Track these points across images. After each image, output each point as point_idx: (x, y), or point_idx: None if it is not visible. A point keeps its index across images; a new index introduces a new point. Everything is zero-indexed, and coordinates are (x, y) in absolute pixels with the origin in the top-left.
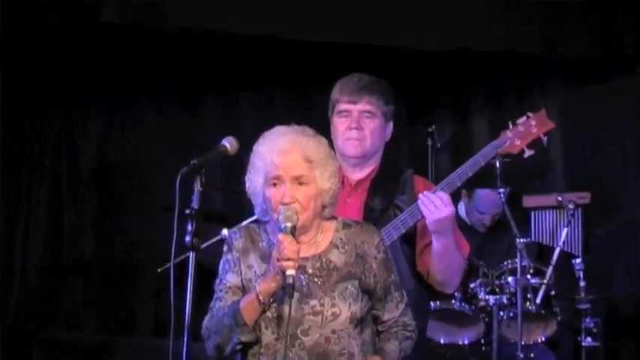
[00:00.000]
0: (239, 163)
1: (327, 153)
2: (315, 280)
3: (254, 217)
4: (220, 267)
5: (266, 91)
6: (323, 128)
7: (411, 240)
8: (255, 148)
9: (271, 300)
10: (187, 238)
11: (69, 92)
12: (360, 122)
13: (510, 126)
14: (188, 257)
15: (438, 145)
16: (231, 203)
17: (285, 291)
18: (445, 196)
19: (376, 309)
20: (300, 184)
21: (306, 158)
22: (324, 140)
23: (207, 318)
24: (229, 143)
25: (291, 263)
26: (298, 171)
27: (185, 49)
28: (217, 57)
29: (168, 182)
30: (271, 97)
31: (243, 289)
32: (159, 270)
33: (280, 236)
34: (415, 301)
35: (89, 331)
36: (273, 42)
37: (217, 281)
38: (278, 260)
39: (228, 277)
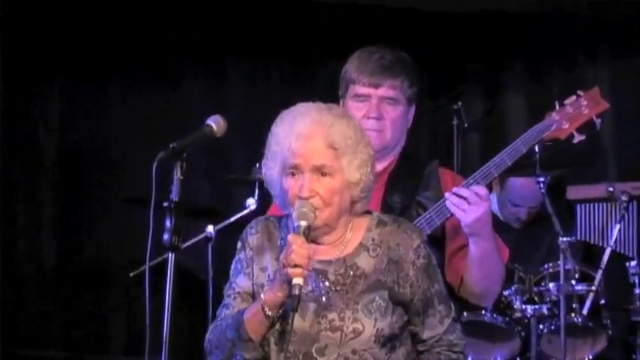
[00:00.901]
0: (227, 146)
1: (356, 138)
2: (337, 288)
3: (246, 212)
4: (232, 268)
5: (260, 61)
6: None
7: (438, 242)
8: (272, 128)
9: (279, 312)
10: (165, 237)
11: (26, 66)
12: (380, 110)
13: (557, 107)
14: (166, 259)
15: (465, 125)
16: (218, 194)
17: (300, 301)
18: (482, 191)
19: (414, 325)
20: (323, 174)
21: (329, 144)
22: (353, 122)
23: (211, 328)
24: (216, 123)
25: (298, 271)
26: (320, 159)
27: (161, 10)
28: (200, 20)
29: (142, 170)
30: (266, 68)
31: (254, 296)
32: (131, 274)
33: (290, 237)
34: None
35: (52, 349)
36: (268, 0)
37: (227, 285)
38: (284, 266)
39: (239, 281)
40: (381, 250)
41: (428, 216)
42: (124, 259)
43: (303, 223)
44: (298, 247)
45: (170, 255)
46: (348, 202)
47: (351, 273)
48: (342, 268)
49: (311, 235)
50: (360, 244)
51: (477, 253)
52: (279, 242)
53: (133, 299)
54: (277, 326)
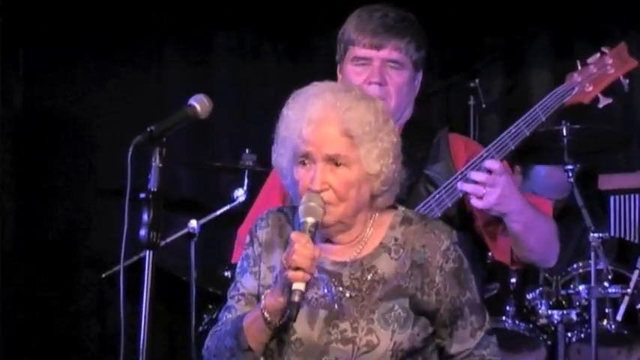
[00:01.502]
0: (213, 129)
1: (377, 124)
2: (352, 294)
3: (234, 204)
4: (238, 265)
5: (249, 33)
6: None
7: (451, 222)
8: (283, 110)
9: (281, 319)
10: (142, 232)
11: None
12: (383, 75)
13: (579, 67)
14: (143, 258)
15: (483, 106)
16: (202, 185)
17: (312, 306)
18: (495, 165)
19: (440, 338)
20: (337, 165)
21: (344, 131)
22: (376, 105)
23: (210, 334)
24: (199, 103)
25: (299, 274)
26: (333, 148)
27: None
28: None
29: (116, 156)
30: (257, 40)
31: (259, 299)
32: (103, 275)
33: (293, 235)
34: None
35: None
36: None
37: (232, 285)
38: (285, 269)
39: (245, 281)
40: (404, 251)
41: (437, 196)
42: (95, 258)
43: (310, 220)
44: (301, 247)
45: (148, 253)
46: (366, 197)
47: (369, 277)
48: (358, 272)
49: (324, 233)
50: (381, 244)
51: (518, 228)
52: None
53: (106, 304)
54: (284, 336)
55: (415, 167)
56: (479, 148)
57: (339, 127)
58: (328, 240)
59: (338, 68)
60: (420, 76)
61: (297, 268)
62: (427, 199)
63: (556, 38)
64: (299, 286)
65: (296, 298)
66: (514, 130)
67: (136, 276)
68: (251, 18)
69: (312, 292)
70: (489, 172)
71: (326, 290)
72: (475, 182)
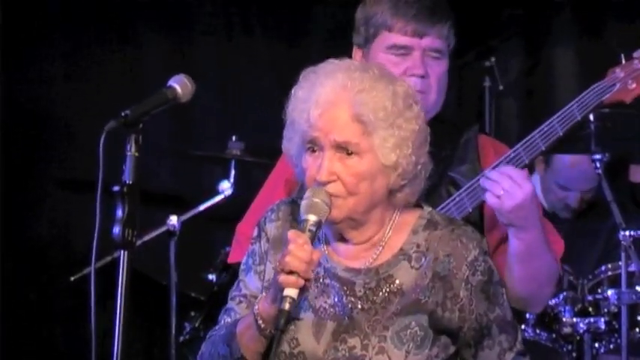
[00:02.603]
0: (195, 115)
1: (395, 109)
2: (365, 307)
3: (218, 198)
4: (243, 262)
5: (234, 7)
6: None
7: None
8: (293, 90)
9: (279, 327)
10: (116, 230)
11: None
12: (425, 66)
13: (622, 60)
14: (117, 258)
15: (500, 88)
16: (183, 176)
17: (319, 316)
18: (517, 174)
19: (464, 358)
20: (348, 154)
21: (355, 116)
22: (396, 88)
23: (207, 337)
24: (180, 85)
25: (292, 279)
26: (343, 135)
27: None
28: None
29: (87, 144)
30: (243, 16)
31: None
32: (72, 278)
33: (291, 234)
34: None
35: None
36: None
37: (234, 285)
38: (278, 271)
39: (249, 280)
40: (426, 260)
41: (458, 199)
42: (64, 259)
43: (312, 218)
44: (296, 249)
45: (122, 253)
46: (382, 192)
47: (384, 289)
48: (372, 281)
49: (334, 230)
50: (401, 249)
51: (519, 248)
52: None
53: (75, 311)
54: (285, 346)
55: (438, 168)
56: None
57: (349, 110)
58: (341, 239)
59: (366, 53)
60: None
61: (290, 272)
62: (447, 202)
63: (583, 10)
64: (290, 292)
65: (286, 306)
66: (546, 128)
67: (109, 279)
68: None
69: (322, 301)
70: (509, 177)
71: (336, 299)
72: (493, 182)
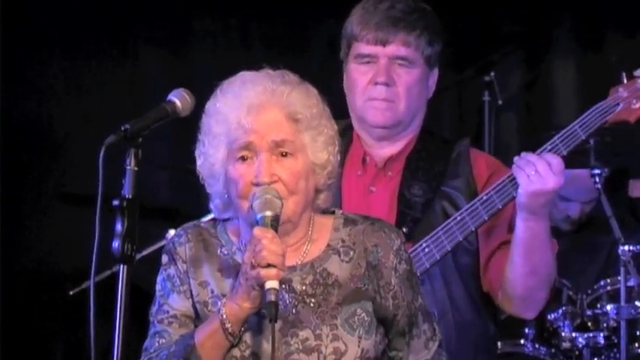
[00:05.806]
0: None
1: (320, 109)
2: (307, 300)
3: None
4: (158, 287)
5: (234, 21)
6: (325, 79)
7: (470, 250)
8: (209, 106)
9: (242, 330)
10: (115, 244)
11: None
12: (390, 74)
13: (624, 79)
14: (117, 273)
15: (500, 102)
16: (182, 190)
17: (261, 315)
18: (556, 162)
19: (396, 349)
20: (283, 155)
21: (289, 115)
22: (314, 90)
23: None
24: (180, 99)
25: (272, 271)
26: (280, 134)
27: None
28: None
29: (87, 159)
30: (243, 29)
31: (198, 318)
32: (71, 293)
33: (257, 231)
34: (475, 341)
35: None
36: None
37: (154, 309)
38: (253, 267)
39: (173, 301)
40: (356, 253)
41: (459, 218)
42: (64, 273)
43: (269, 213)
44: (269, 243)
45: (121, 268)
46: (312, 192)
47: (322, 281)
48: (309, 276)
49: None
50: (328, 246)
51: (526, 235)
52: (219, 251)
53: (74, 325)
54: (236, 350)
55: (432, 183)
56: (502, 168)
57: (283, 110)
58: None
59: (344, 68)
60: (434, 74)
61: (267, 265)
62: (447, 223)
63: (583, 25)
64: (273, 284)
65: (272, 297)
66: (549, 147)
67: (108, 293)
68: (235, 3)
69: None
70: (547, 164)
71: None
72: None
